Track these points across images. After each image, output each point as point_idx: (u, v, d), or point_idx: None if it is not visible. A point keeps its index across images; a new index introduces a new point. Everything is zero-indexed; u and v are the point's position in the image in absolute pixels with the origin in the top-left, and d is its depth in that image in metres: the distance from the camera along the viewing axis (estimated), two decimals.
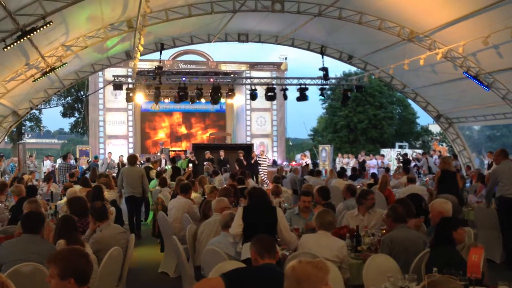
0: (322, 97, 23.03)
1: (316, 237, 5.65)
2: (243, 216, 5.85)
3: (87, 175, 15.35)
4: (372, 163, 25.92)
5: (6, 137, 20.99)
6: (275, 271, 3.93)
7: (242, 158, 20.83)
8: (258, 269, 4.02)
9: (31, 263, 4.73)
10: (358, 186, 13.40)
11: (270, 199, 7.93)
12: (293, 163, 26.67)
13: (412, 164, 23.11)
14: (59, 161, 23.04)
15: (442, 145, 32.62)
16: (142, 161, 20.24)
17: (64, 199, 9.56)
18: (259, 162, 23.00)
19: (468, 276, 4.09)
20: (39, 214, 5.61)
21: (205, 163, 19.77)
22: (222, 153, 21.40)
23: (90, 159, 24.48)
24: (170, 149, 28.06)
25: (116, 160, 23.54)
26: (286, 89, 22.14)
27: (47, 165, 23.97)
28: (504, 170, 8.88)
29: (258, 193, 6.47)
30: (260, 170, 22.88)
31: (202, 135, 31.88)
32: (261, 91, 22.32)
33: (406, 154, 25.93)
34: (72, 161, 20.53)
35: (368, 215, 7.11)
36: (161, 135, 31.48)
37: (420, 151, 28.93)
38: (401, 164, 21.51)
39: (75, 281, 3.25)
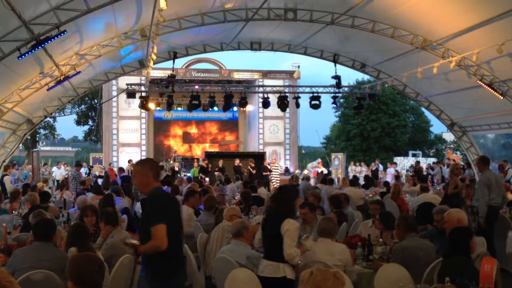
0: (335, 106, 22.80)
1: (317, 246, 5.53)
2: (261, 226, 5.64)
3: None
4: (391, 172, 25.36)
5: (20, 145, 21.18)
6: None
7: (251, 167, 20.92)
8: None
9: (42, 271, 4.75)
10: (371, 195, 13.38)
11: None
12: (305, 171, 26.55)
13: (425, 173, 22.90)
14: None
15: (456, 153, 32.39)
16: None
17: None
18: (272, 169, 23.02)
19: (480, 286, 4.05)
20: (50, 221, 5.63)
21: (215, 172, 19.83)
22: (237, 161, 21.47)
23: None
24: (183, 157, 28.13)
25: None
26: (299, 97, 22.11)
27: (60, 172, 23.98)
28: (491, 178, 8.84)
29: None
30: (272, 178, 22.86)
31: (215, 143, 31.94)
32: (273, 99, 22.32)
33: (418, 162, 25.73)
34: (85, 169, 20.65)
35: None
36: (174, 143, 31.61)
37: (433, 159, 28.71)
38: (414, 174, 21.31)
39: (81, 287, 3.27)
